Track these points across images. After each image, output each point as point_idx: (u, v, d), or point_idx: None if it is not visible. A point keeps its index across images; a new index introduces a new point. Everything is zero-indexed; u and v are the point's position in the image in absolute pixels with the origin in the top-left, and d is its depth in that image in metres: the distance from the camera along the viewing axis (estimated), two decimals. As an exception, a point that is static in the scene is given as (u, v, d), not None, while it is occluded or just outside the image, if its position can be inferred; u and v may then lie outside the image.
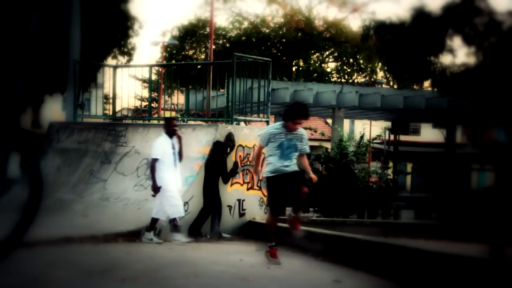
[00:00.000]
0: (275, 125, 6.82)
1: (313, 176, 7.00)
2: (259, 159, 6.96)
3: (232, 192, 9.43)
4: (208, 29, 34.77)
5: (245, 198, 9.60)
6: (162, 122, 9.78)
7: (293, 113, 6.65)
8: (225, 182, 9.34)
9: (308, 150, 6.89)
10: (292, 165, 6.68)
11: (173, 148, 8.64)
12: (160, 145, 8.63)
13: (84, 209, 9.43)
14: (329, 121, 36.03)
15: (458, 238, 9.75)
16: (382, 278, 6.08)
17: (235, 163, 9.45)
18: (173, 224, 8.42)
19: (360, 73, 41.64)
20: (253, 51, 35.21)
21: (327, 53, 41.47)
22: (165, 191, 8.43)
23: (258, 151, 6.97)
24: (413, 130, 46.28)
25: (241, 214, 9.54)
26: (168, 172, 8.51)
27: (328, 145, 29.18)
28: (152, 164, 8.54)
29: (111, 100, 13.04)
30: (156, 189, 8.42)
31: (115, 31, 23.58)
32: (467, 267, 5.38)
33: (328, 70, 41.39)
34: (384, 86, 37.10)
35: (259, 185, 9.77)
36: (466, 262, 5.43)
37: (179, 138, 8.80)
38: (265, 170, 6.76)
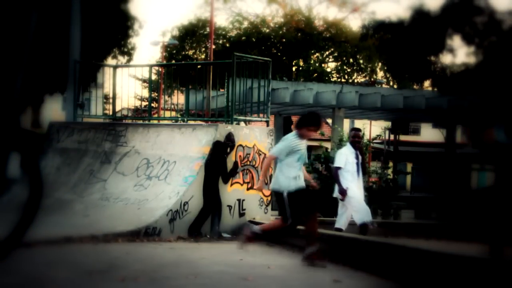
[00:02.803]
0: (292, 136, 6.71)
1: (314, 183, 7.13)
2: (267, 171, 6.90)
3: (232, 192, 9.44)
4: (208, 29, 34.77)
5: (245, 198, 9.60)
6: (162, 122, 9.79)
7: (310, 120, 6.66)
8: (225, 182, 9.35)
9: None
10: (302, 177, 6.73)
11: (356, 158, 8.87)
12: (343, 154, 8.91)
13: (84, 209, 9.43)
14: (329, 121, 36.04)
15: (458, 238, 9.75)
16: (382, 278, 6.08)
17: (235, 163, 9.45)
18: (364, 229, 8.63)
19: (360, 73, 41.64)
20: (253, 51, 35.20)
21: (327, 53, 41.47)
22: (350, 197, 8.73)
23: (268, 163, 6.88)
24: (413, 130, 46.32)
25: (241, 214, 9.54)
26: (352, 181, 8.77)
27: (328, 145, 29.19)
28: (335, 172, 8.83)
29: (111, 100, 13.03)
30: (343, 192, 8.69)
31: (115, 31, 23.58)
32: (467, 267, 5.38)
33: (328, 70, 41.38)
34: (384, 86, 37.10)
35: (259, 185, 9.77)
36: (466, 262, 5.43)
37: (361, 149, 9.07)
38: (285, 184, 6.61)
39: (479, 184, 30.40)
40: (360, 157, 8.92)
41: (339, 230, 8.80)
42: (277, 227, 6.98)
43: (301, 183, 6.68)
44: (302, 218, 6.74)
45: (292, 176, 6.60)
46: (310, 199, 6.69)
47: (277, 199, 6.81)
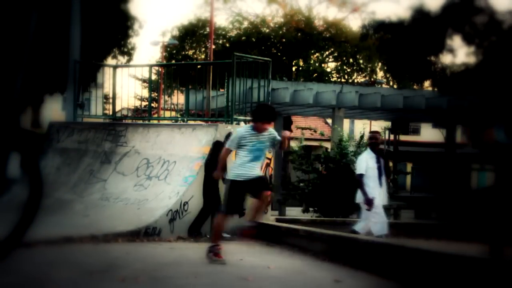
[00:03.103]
0: (245, 127, 6.79)
1: (286, 133, 6.92)
2: (223, 162, 6.91)
3: (232, 192, 9.42)
4: (208, 29, 34.76)
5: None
6: (162, 122, 9.79)
7: (261, 115, 6.63)
8: (225, 182, 9.33)
9: (279, 139, 6.86)
10: (257, 169, 6.71)
11: (378, 162, 8.58)
12: (363, 160, 8.63)
13: (84, 209, 9.43)
14: (329, 121, 36.03)
15: (458, 238, 9.75)
16: (382, 278, 6.08)
17: (235, 163, 9.44)
18: None
19: (360, 73, 41.63)
20: (253, 51, 35.19)
21: (327, 53, 41.46)
22: (374, 208, 8.46)
23: (224, 155, 6.87)
24: (413, 130, 46.31)
25: (241, 214, 9.52)
26: (374, 187, 8.51)
27: (328, 145, 29.18)
28: (359, 180, 8.57)
29: (111, 100, 13.03)
30: (369, 202, 8.41)
31: (115, 31, 23.59)
32: (467, 267, 5.38)
33: (328, 70, 41.38)
34: (384, 86, 37.11)
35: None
36: (466, 262, 5.43)
37: (381, 152, 8.76)
38: (231, 173, 6.71)
39: (479, 184, 30.42)
40: (382, 160, 8.63)
41: (355, 232, 8.58)
42: (218, 224, 6.90)
43: (248, 175, 6.62)
44: (240, 209, 6.90)
45: (238, 165, 6.65)
46: (243, 195, 6.70)
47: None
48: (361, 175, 8.55)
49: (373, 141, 8.75)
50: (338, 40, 39.71)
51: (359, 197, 8.81)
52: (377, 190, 8.54)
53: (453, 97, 20.95)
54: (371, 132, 9.46)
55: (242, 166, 6.64)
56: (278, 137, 6.85)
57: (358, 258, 6.71)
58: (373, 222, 8.58)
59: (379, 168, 8.58)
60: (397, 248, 6.45)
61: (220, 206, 9.22)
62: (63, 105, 24.97)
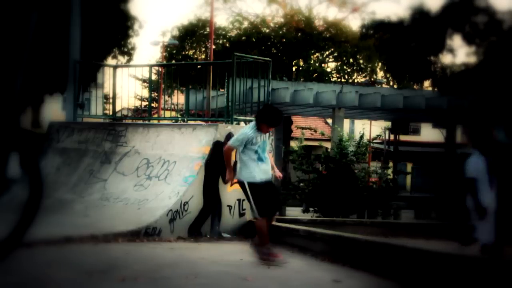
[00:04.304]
0: (250, 127, 6.74)
1: (279, 174, 7.13)
2: (230, 162, 6.90)
3: (232, 192, 9.42)
4: (208, 29, 34.77)
5: (245, 198, 9.58)
6: (162, 122, 9.78)
7: (270, 119, 6.65)
8: (225, 182, 9.34)
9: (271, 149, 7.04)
10: (269, 167, 6.78)
11: (487, 163, 7.55)
12: (473, 163, 7.58)
13: (84, 209, 9.42)
14: (329, 121, 36.04)
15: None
16: (382, 278, 6.08)
17: (235, 163, 9.43)
18: (485, 249, 7.35)
19: (360, 73, 41.64)
20: (253, 51, 35.19)
21: (327, 53, 41.46)
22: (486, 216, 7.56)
23: (229, 154, 6.85)
24: (413, 130, 46.32)
25: (241, 214, 9.53)
26: (485, 192, 7.54)
27: (328, 145, 29.19)
28: (469, 185, 7.51)
29: (111, 100, 13.03)
30: (481, 211, 7.34)
31: (115, 31, 23.60)
32: (467, 267, 5.38)
33: (328, 70, 41.38)
34: (384, 86, 37.12)
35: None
36: (466, 262, 5.43)
37: (493, 151, 7.67)
38: (246, 176, 6.69)
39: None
40: (491, 160, 7.44)
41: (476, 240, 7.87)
42: (260, 227, 6.79)
43: (265, 175, 6.68)
44: (273, 210, 6.86)
45: (251, 166, 6.65)
46: (265, 194, 6.67)
47: (243, 190, 6.87)
48: (472, 179, 7.44)
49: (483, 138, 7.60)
50: (338, 40, 39.72)
51: (470, 202, 7.70)
52: (489, 195, 7.49)
53: (453, 97, 20.95)
54: (476, 128, 7.95)
55: (258, 166, 6.66)
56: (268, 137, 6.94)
57: (358, 258, 6.71)
58: (481, 230, 7.43)
59: (489, 170, 7.55)
60: (397, 248, 6.45)
61: (220, 206, 9.25)
62: (63, 105, 24.99)
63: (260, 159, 6.67)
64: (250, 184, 6.67)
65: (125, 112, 24.43)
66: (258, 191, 6.65)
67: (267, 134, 6.78)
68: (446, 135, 30.46)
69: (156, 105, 32.34)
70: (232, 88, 10.00)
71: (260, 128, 6.65)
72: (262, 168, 6.68)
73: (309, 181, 17.74)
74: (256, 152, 6.65)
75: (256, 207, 6.68)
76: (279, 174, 7.26)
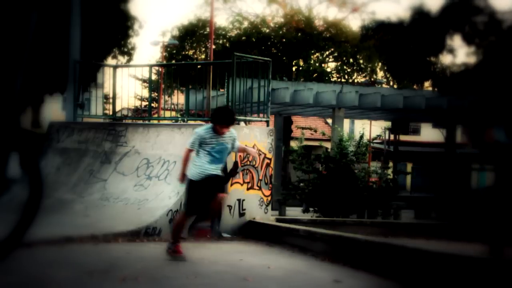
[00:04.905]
0: (205, 128, 6.73)
1: (252, 150, 7.06)
2: (186, 163, 6.86)
3: (232, 192, 9.43)
4: (208, 29, 34.75)
5: (245, 198, 9.59)
6: (162, 122, 9.78)
7: (219, 118, 6.62)
8: (225, 182, 9.34)
9: (239, 145, 6.96)
10: (218, 170, 6.69)
11: None
12: None
13: (84, 209, 9.42)
14: (329, 121, 36.04)
15: (458, 238, 9.75)
16: (382, 278, 6.08)
17: (235, 163, 9.45)
18: None
19: (360, 73, 41.61)
20: (253, 51, 35.18)
21: (327, 53, 41.43)
22: None
23: (186, 156, 6.79)
24: (413, 130, 46.30)
25: (241, 214, 9.54)
26: None
27: (328, 145, 29.19)
28: None
29: (111, 100, 13.03)
30: None
31: (115, 31, 23.59)
32: (467, 267, 5.38)
33: (328, 70, 41.35)
34: (384, 86, 37.10)
35: (259, 185, 9.78)
36: (466, 262, 5.43)
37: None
38: (191, 172, 6.68)
39: (479, 184, 30.39)
40: None
41: None
42: (177, 223, 6.91)
43: (207, 173, 6.62)
44: (206, 209, 6.77)
45: (198, 165, 6.64)
46: (204, 193, 6.62)
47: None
48: None
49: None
50: (338, 40, 39.69)
51: None
52: None
53: (453, 97, 20.94)
54: None
55: (201, 166, 6.64)
56: (238, 142, 6.88)
57: (358, 258, 6.71)
58: None
59: None
60: (397, 248, 6.46)
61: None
62: (63, 105, 24.99)
63: (212, 161, 6.63)
64: (189, 179, 6.69)
65: (125, 112, 24.47)
66: (192, 189, 6.67)
67: (229, 139, 6.70)
68: (446, 135, 30.46)
69: (156, 105, 32.34)
70: (232, 88, 10.00)
71: (216, 129, 6.63)
72: (208, 168, 6.63)
73: (309, 181, 17.74)
74: (209, 153, 6.62)
75: (185, 203, 6.79)
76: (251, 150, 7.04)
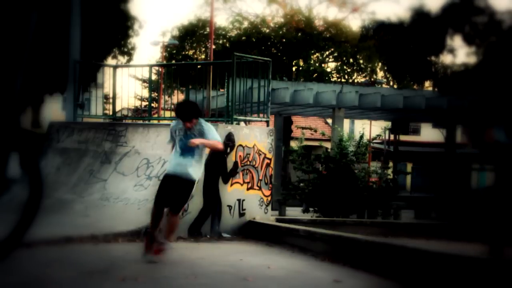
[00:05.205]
0: (177, 122, 6.73)
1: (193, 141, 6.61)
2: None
3: (232, 192, 9.43)
4: (208, 29, 34.75)
5: (245, 198, 9.59)
6: (162, 122, 9.77)
7: (177, 112, 6.65)
8: (225, 182, 9.34)
9: (214, 139, 6.67)
10: (186, 166, 6.55)
11: None
12: None
13: (84, 209, 9.42)
14: (329, 121, 36.02)
15: (458, 238, 9.75)
16: (382, 278, 6.08)
17: (235, 163, 9.45)
18: None
19: (360, 73, 41.61)
20: (253, 51, 35.18)
21: (327, 53, 41.43)
22: None
23: (170, 149, 6.85)
24: (413, 130, 46.28)
25: (241, 214, 9.54)
26: None
27: (328, 145, 29.18)
28: None
29: (111, 100, 13.03)
30: None
31: (115, 31, 23.59)
32: (467, 267, 5.38)
33: (328, 70, 41.35)
34: (384, 86, 37.10)
35: (259, 185, 9.78)
36: (466, 262, 5.43)
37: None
38: (167, 167, 6.76)
39: (479, 184, 30.39)
40: None
41: None
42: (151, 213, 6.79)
43: (174, 169, 6.59)
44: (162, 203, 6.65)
45: (170, 158, 6.72)
46: (163, 189, 6.62)
47: None
48: None
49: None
50: (338, 40, 39.69)
51: None
52: None
53: (453, 97, 20.95)
54: None
55: (171, 160, 6.69)
56: (209, 136, 6.63)
57: (358, 258, 6.71)
58: None
59: None
60: (397, 248, 6.46)
61: (220, 206, 9.26)
62: (63, 105, 24.99)
63: (180, 155, 6.59)
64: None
65: (125, 112, 24.45)
66: (161, 181, 6.77)
67: (197, 132, 6.57)
68: (446, 135, 30.45)
69: (156, 105, 32.33)
70: (232, 88, 10.00)
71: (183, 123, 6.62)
72: (176, 162, 6.61)
73: (309, 181, 17.73)
74: (177, 146, 6.65)
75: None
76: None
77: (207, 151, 7.35)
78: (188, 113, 6.57)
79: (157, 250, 6.48)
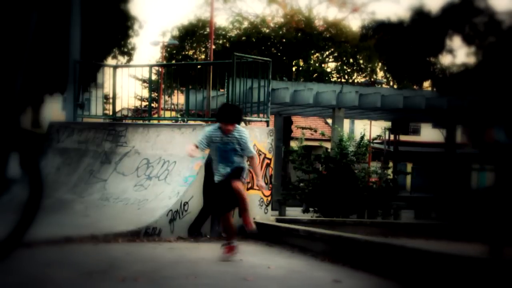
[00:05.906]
0: (213, 127, 6.70)
1: (261, 183, 6.87)
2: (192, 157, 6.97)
3: (232, 192, 9.42)
4: (208, 29, 34.76)
5: (245, 198, 9.58)
6: (162, 122, 9.77)
7: (221, 115, 6.59)
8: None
9: (250, 153, 6.69)
10: (226, 171, 6.60)
11: None
12: None
13: (84, 209, 9.43)
14: (329, 121, 36.03)
15: (458, 238, 9.75)
16: (382, 278, 6.08)
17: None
18: None
19: (360, 73, 41.62)
20: (253, 51, 35.19)
21: (327, 53, 41.45)
22: None
23: (188, 149, 6.75)
24: (413, 130, 46.30)
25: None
26: None
27: (328, 145, 29.19)
28: None
29: (111, 100, 13.04)
30: None
31: (115, 31, 23.60)
32: (467, 267, 5.38)
33: (328, 70, 41.36)
34: (384, 86, 37.12)
35: (259, 185, 9.77)
36: (466, 262, 5.43)
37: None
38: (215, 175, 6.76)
39: (479, 184, 30.40)
40: None
41: None
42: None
43: (220, 176, 6.66)
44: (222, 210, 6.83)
45: (214, 168, 6.73)
46: (219, 196, 6.70)
47: None
48: None
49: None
50: (338, 40, 39.70)
51: None
52: None
53: (453, 97, 20.95)
54: None
55: (215, 169, 6.72)
56: (247, 151, 6.65)
57: (358, 258, 6.71)
58: None
59: None
60: (397, 248, 6.46)
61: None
62: (63, 105, 25.01)
63: (219, 162, 6.62)
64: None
65: (125, 112, 24.47)
66: (214, 190, 6.81)
67: (234, 138, 6.56)
68: (446, 135, 30.46)
69: (156, 105, 32.33)
70: (232, 88, 10.00)
71: (221, 127, 6.59)
72: (219, 168, 6.65)
73: (309, 181, 17.75)
74: (216, 150, 6.62)
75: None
76: (260, 184, 6.98)
77: (207, 151, 7.37)
78: (232, 117, 6.55)
79: (228, 248, 6.84)
